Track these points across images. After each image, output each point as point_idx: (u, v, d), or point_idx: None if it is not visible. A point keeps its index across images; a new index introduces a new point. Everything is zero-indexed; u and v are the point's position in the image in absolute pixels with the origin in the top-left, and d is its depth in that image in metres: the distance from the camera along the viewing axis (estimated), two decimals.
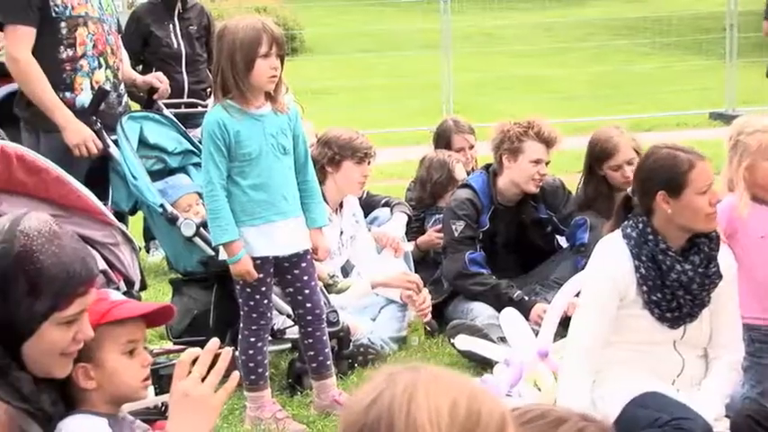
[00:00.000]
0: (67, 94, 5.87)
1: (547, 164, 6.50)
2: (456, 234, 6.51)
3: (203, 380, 2.72)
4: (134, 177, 5.71)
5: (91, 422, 2.93)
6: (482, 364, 5.72)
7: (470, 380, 1.85)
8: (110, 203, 5.83)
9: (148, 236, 8.43)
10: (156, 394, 3.01)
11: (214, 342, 2.78)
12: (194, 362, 2.74)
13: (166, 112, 6.39)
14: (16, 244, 2.65)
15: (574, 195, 6.84)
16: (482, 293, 6.39)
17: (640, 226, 4.49)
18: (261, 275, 5.00)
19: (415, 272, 6.79)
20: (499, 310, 5.96)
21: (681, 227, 4.47)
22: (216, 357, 2.75)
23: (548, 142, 6.44)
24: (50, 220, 2.75)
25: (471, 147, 7.67)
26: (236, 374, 2.77)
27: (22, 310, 2.64)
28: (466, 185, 6.67)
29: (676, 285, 4.46)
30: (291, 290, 5.15)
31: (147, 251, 8.63)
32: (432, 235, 7.03)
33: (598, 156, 6.46)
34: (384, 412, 1.71)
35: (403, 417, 1.70)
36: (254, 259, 4.97)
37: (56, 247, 2.67)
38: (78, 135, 5.77)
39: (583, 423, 2.01)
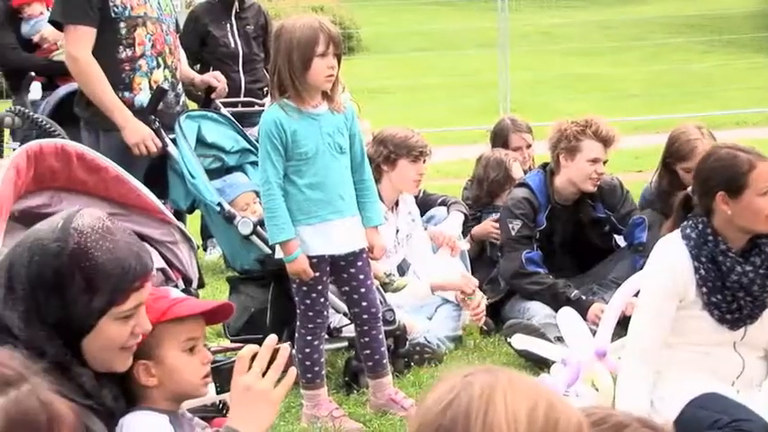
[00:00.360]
0: (126, 94, 5.91)
1: (604, 163, 6.45)
2: (513, 233, 6.49)
3: (263, 375, 2.73)
4: (192, 176, 5.74)
5: (152, 419, 2.94)
6: (539, 364, 5.69)
7: (547, 386, 1.83)
8: (168, 202, 5.87)
9: (206, 234, 8.48)
10: (217, 391, 3.03)
11: (272, 338, 2.80)
12: (253, 358, 2.76)
13: (224, 110, 6.42)
14: (70, 242, 2.67)
15: (646, 186, 6.79)
16: (539, 293, 6.36)
17: (700, 227, 4.44)
18: (317, 274, 5.01)
19: (472, 271, 6.79)
20: (556, 310, 5.92)
21: (741, 228, 4.42)
22: (274, 354, 2.76)
23: (605, 141, 6.39)
24: (103, 217, 2.77)
25: (528, 146, 7.63)
26: (293, 371, 2.78)
27: (79, 306, 2.66)
28: (523, 184, 6.64)
29: (737, 287, 4.41)
30: (347, 288, 5.15)
31: (205, 249, 8.68)
32: (487, 225, 7.00)
33: (674, 154, 6.38)
34: (461, 414, 1.69)
35: (480, 420, 1.68)
36: (310, 258, 4.97)
37: (110, 242, 2.69)
38: (137, 134, 5.81)
39: (643, 430, 1.99)
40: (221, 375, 2.95)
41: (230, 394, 2.80)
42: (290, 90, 4.89)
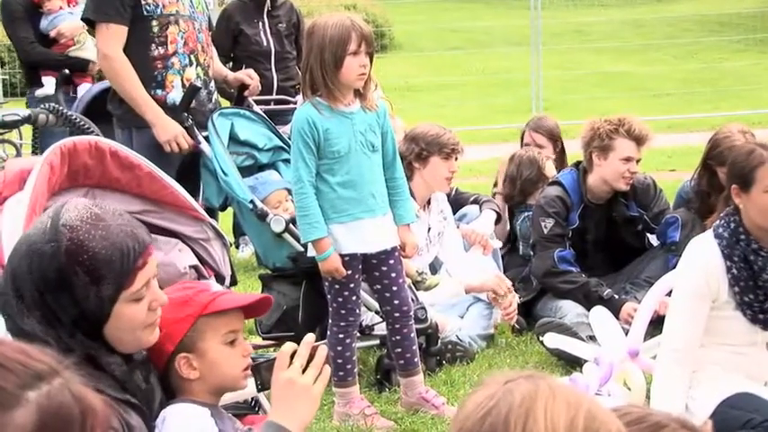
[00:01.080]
0: (159, 92, 5.92)
1: (637, 162, 6.42)
2: (545, 231, 6.48)
3: (303, 372, 2.74)
4: (224, 173, 5.76)
5: (194, 410, 2.96)
6: (571, 363, 5.67)
7: (587, 395, 1.82)
8: (201, 199, 5.89)
9: (238, 232, 8.50)
10: (259, 389, 3.04)
11: (311, 336, 2.80)
12: (292, 356, 2.76)
13: (256, 108, 6.43)
14: (63, 240, 2.66)
15: (684, 184, 6.76)
16: (571, 292, 6.34)
17: (732, 225, 4.42)
18: (349, 272, 5.00)
19: (504, 269, 6.78)
20: (588, 309, 5.91)
21: (755, 225, 4.40)
22: (312, 352, 2.77)
23: (638, 140, 6.36)
24: (89, 204, 2.77)
25: (539, 146, 7.50)
26: (328, 368, 2.79)
27: (90, 300, 2.67)
28: (555, 183, 6.63)
29: None
30: (379, 287, 5.14)
31: (237, 247, 8.70)
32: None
33: (715, 157, 6.21)
34: (500, 423, 1.68)
35: (519, 430, 1.68)
36: (342, 256, 4.97)
37: (101, 230, 2.69)
38: (168, 131, 5.82)
39: (682, 431, 1.97)
40: (260, 372, 2.96)
41: (271, 389, 2.80)
42: (322, 88, 4.89)
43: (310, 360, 2.76)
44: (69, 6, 8.21)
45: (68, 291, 2.67)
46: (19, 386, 1.46)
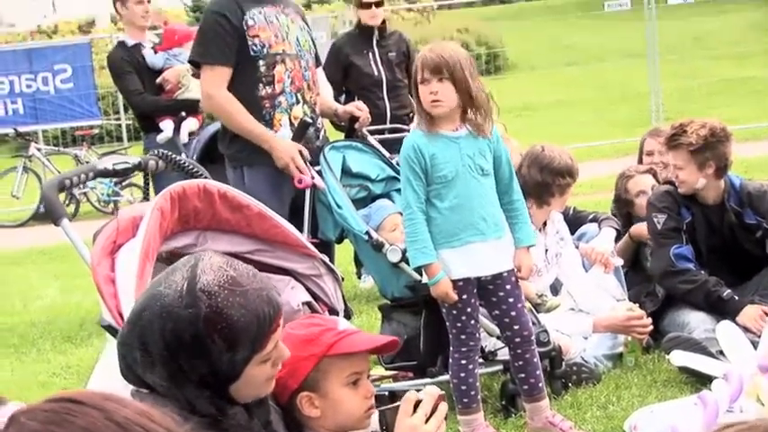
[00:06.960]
0: None
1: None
2: (659, 227, 6.38)
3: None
4: (338, 206, 5.78)
5: None
6: (701, 380, 5.54)
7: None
8: (306, 233, 5.89)
9: (360, 262, 8.53)
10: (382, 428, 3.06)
11: (435, 389, 2.82)
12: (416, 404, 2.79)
13: (371, 139, 6.44)
14: (202, 306, 2.62)
15: None
16: (691, 292, 6.19)
17: None
18: (464, 297, 4.97)
19: (627, 285, 6.67)
20: (708, 309, 5.81)
21: None
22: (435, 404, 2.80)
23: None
24: (224, 265, 2.71)
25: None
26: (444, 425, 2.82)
27: (223, 363, 2.64)
28: (667, 182, 6.56)
29: None
30: (498, 312, 5.09)
31: (359, 277, 8.73)
32: (644, 225, 6.88)
33: None
34: None
35: None
36: (455, 281, 4.94)
37: (239, 296, 2.64)
38: (287, 152, 5.85)
39: None
40: (385, 416, 2.97)
41: None
42: (420, 116, 4.95)
43: (433, 411, 2.79)
44: (179, 47, 8.39)
45: (203, 355, 2.64)
46: None
